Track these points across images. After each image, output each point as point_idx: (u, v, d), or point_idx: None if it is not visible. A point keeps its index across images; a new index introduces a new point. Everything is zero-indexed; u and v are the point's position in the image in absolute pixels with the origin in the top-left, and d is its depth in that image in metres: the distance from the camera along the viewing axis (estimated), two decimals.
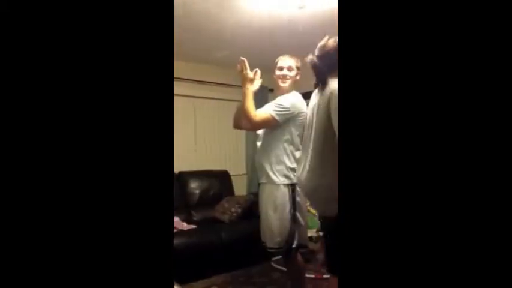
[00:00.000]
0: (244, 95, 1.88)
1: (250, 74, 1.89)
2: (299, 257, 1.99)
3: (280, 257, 2.80)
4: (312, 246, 3.43)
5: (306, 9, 2.47)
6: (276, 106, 1.87)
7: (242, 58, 1.87)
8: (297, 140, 1.93)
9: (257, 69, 1.93)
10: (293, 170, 1.90)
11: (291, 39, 3.06)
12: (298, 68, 1.99)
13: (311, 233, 2.97)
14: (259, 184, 2.05)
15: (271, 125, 1.88)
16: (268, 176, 1.93)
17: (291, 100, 1.91)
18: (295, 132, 1.92)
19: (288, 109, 1.86)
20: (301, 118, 1.91)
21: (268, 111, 1.88)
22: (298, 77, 2.00)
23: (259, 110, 1.91)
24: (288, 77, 1.96)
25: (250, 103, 1.86)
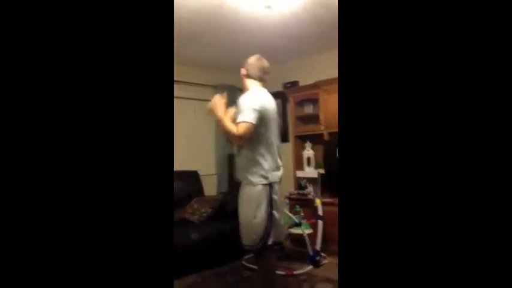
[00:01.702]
0: (220, 120, 1.96)
1: (222, 112, 1.98)
2: (272, 255, 2.03)
3: (252, 255, 2.86)
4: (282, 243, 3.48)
5: (273, 9, 2.49)
6: (242, 113, 1.89)
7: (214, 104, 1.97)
8: (268, 139, 1.96)
9: (224, 93, 2.01)
10: (271, 169, 1.94)
11: (259, 38, 3.08)
12: None
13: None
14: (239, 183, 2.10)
15: (252, 130, 1.88)
16: (246, 178, 1.96)
17: (249, 98, 1.93)
18: (264, 131, 1.94)
19: (250, 107, 1.88)
20: (264, 114, 1.92)
21: (241, 120, 1.88)
22: None
23: (237, 121, 1.92)
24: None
25: (228, 124, 1.92)
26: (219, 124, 1.98)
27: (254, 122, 1.86)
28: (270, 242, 1.94)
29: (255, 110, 1.87)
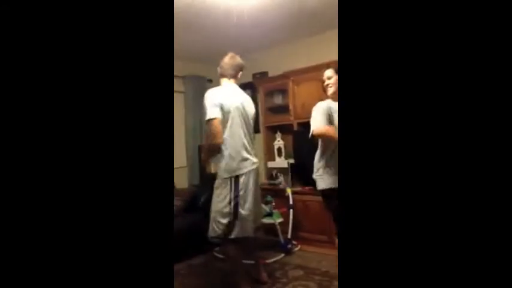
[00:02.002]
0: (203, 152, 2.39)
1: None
2: (234, 248, 2.04)
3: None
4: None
5: (241, 0, 2.47)
6: (206, 112, 1.98)
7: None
8: (232, 133, 1.98)
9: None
10: (235, 162, 1.96)
11: (227, 29, 3.04)
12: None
13: None
14: None
15: (219, 124, 1.96)
16: (217, 170, 2.04)
17: (210, 95, 2.02)
18: (226, 125, 1.98)
19: (210, 104, 1.97)
20: (225, 109, 1.98)
21: (207, 118, 1.97)
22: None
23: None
24: None
25: (204, 143, 2.19)
26: (205, 155, 2.19)
27: (219, 116, 1.94)
28: (232, 236, 1.95)
29: (215, 105, 1.95)
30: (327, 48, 3.19)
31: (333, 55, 2.66)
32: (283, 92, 3.60)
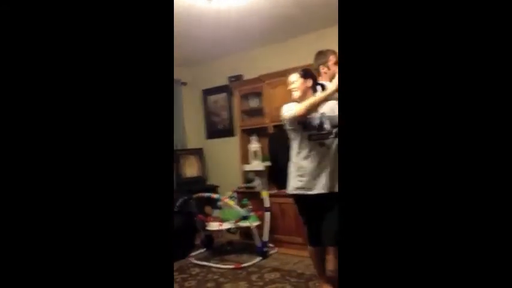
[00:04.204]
0: None
1: None
2: None
3: (200, 251, 2.85)
4: (231, 237, 3.49)
5: (214, 2, 2.46)
6: None
7: None
8: None
9: None
10: None
11: (201, 32, 3.02)
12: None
13: (229, 224, 3.01)
14: None
15: None
16: None
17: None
18: None
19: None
20: None
21: None
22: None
23: None
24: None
25: None
26: None
27: None
28: None
29: None
30: (302, 51, 3.22)
31: (309, 59, 2.69)
32: (259, 95, 3.61)
